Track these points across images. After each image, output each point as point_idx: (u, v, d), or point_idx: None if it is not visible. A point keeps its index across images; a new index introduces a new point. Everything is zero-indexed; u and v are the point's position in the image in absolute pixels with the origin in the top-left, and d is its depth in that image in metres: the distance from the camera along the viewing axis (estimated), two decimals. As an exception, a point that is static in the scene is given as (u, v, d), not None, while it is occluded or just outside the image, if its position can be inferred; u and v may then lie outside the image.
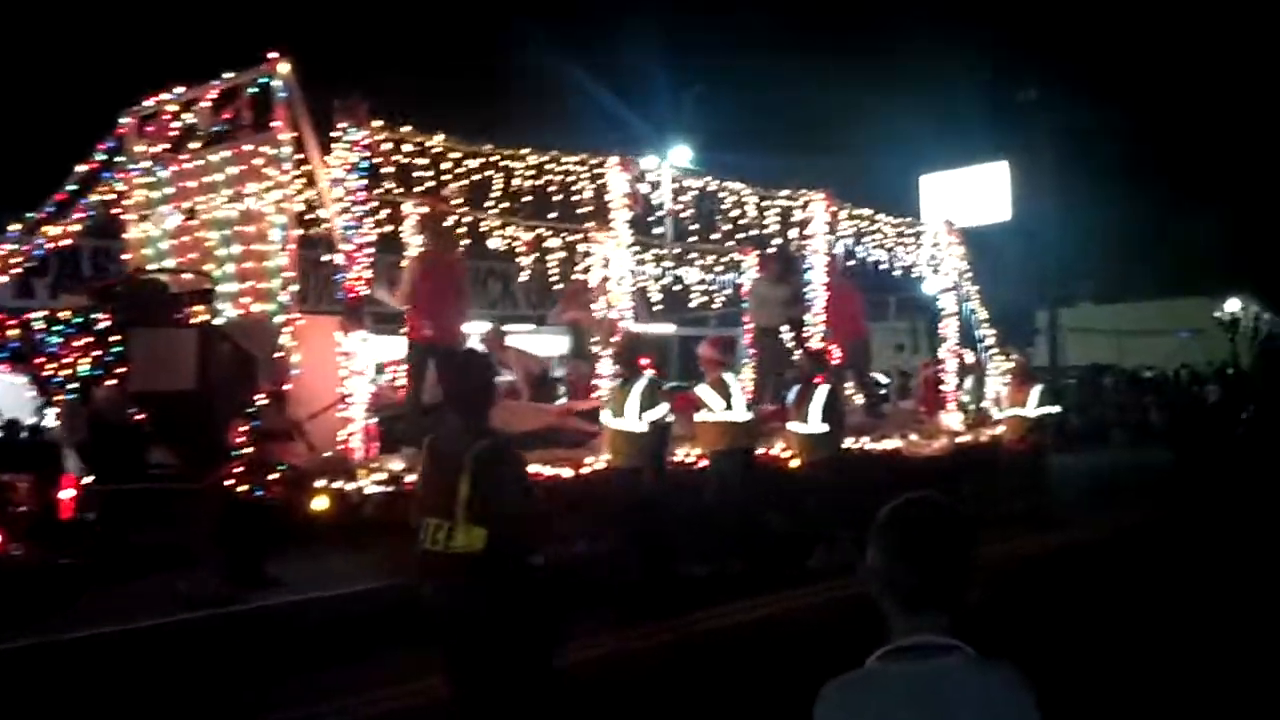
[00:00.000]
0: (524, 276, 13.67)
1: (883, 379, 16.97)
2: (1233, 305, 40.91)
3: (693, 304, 15.35)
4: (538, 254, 13.12)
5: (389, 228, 10.79)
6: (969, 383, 16.03)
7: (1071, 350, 38.03)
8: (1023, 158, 39.12)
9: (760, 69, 39.23)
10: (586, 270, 13.16)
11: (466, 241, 11.65)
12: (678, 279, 14.87)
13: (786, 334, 13.80)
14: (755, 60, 40.92)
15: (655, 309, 14.78)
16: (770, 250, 13.87)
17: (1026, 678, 2.30)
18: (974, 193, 41.75)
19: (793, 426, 12.18)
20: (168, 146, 10.64)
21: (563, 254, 13.25)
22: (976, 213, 41.92)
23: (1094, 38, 42.33)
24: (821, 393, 11.98)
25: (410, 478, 9.24)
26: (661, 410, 10.49)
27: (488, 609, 4.75)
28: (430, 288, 10.41)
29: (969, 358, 16.10)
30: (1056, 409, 14.65)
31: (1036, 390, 14.46)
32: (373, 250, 9.72)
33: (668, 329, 16.19)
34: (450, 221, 10.89)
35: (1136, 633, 8.58)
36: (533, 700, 5.02)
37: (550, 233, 13.06)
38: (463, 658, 4.91)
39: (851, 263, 14.15)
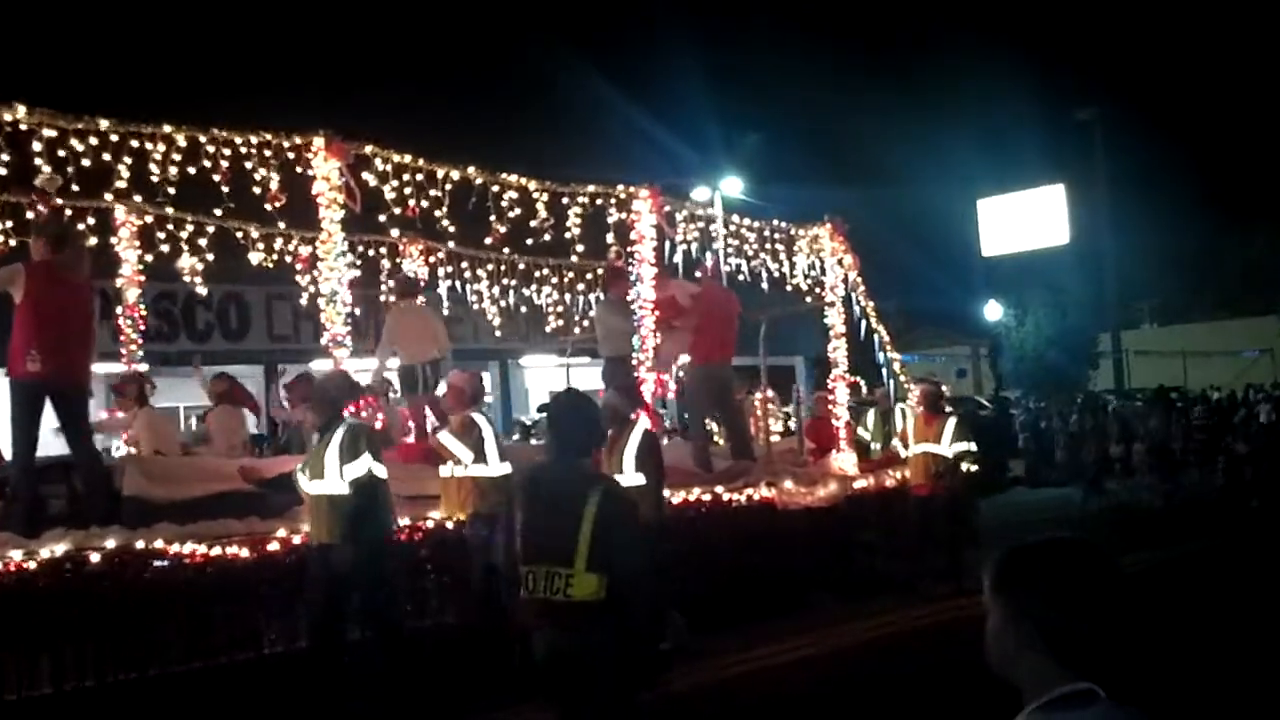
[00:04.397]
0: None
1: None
2: (1302, 321, 36.31)
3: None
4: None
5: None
6: (870, 417, 12.20)
7: (1136, 373, 34.01)
8: (1079, 179, 35.79)
9: (814, 100, 36.38)
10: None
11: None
12: (527, 300, 11.53)
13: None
14: (809, 92, 38.16)
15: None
16: (605, 263, 10.54)
17: None
18: (1031, 216, 38.97)
19: (605, 478, 8.92)
20: None
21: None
22: (1035, 236, 38.57)
23: (1150, 56, 38.28)
24: (636, 434, 8.70)
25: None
26: (364, 465, 7.25)
27: (611, 657, 4.32)
28: (34, 309, 7.41)
29: (866, 386, 12.37)
30: (973, 445, 10.79)
31: (950, 424, 10.76)
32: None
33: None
34: (54, 221, 7.89)
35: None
36: None
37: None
38: (578, 704, 4.47)
39: (699, 274, 10.53)
